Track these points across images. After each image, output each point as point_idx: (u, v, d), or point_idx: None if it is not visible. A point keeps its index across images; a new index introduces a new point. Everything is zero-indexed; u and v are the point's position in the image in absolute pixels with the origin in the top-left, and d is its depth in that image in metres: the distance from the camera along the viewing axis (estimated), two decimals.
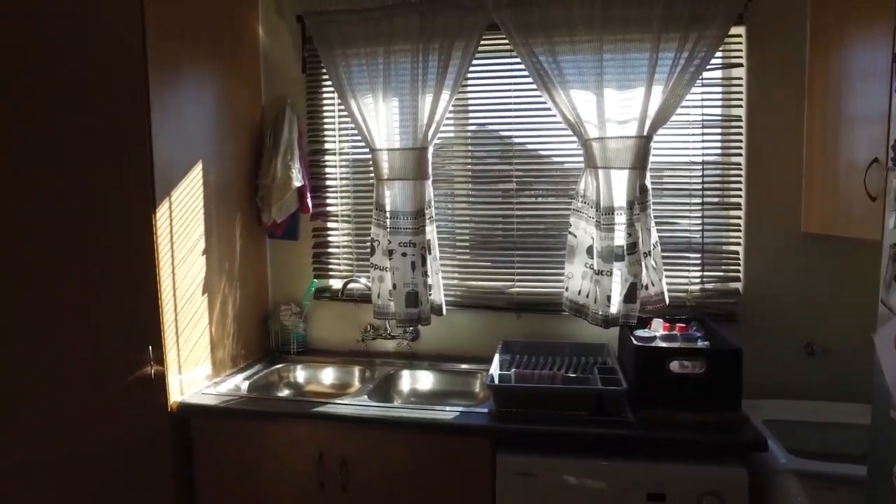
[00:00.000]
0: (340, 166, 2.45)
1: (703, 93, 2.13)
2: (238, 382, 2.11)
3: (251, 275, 2.37)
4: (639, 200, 1.97)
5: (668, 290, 2.06)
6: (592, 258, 2.05)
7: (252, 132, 2.36)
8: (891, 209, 1.32)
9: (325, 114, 2.44)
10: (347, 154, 2.44)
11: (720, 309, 2.15)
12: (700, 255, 2.18)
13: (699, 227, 2.17)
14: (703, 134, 2.15)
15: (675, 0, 1.92)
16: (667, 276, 2.08)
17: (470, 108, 2.33)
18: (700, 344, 1.85)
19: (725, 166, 2.15)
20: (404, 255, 2.17)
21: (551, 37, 2.03)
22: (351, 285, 2.37)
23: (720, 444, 1.64)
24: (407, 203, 2.17)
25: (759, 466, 1.66)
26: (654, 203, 2.04)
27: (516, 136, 2.29)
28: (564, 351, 2.13)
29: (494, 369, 1.90)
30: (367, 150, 2.24)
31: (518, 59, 2.11)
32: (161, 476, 1.87)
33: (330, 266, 2.50)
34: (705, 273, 2.18)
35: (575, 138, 2.08)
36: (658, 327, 1.97)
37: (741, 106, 2.11)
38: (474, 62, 2.18)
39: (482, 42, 2.15)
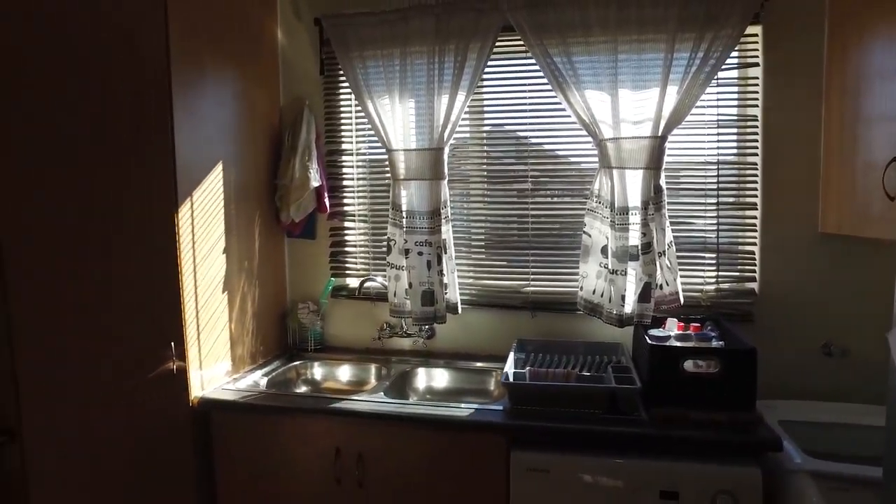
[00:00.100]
0: (357, 166, 2.48)
1: (718, 92, 2.12)
2: (257, 378, 2.15)
3: (270, 273, 2.41)
4: (653, 200, 1.98)
5: (683, 290, 2.06)
6: (607, 258, 2.06)
7: (271, 133, 2.40)
8: None
9: (343, 115, 2.47)
10: (364, 154, 2.47)
11: (735, 309, 2.15)
12: (715, 255, 2.17)
13: (714, 227, 2.16)
14: (718, 134, 2.14)
15: (691, 0, 1.92)
16: (682, 276, 2.08)
17: (485, 108, 2.34)
18: (714, 344, 1.85)
19: (741, 166, 2.14)
20: (420, 254, 2.19)
21: (566, 37, 2.03)
22: (367, 284, 2.40)
23: (734, 444, 1.64)
24: (423, 203, 2.19)
25: (773, 466, 1.66)
26: (669, 203, 2.04)
27: (531, 137, 2.30)
28: (579, 350, 2.15)
29: (509, 367, 1.92)
30: (383, 150, 2.27)
31: (533, 60, 2.12)
32: (182, 468, 1.92)
33: (347, 265, 2.53)
34: (720, 273, 2.17)
35: (590, 138, 2.09)
36: (672, 327, 1.97)
37: (757, 105, 2.10)
38: (490, 63, 2.19)
39: (497, 43, 2.16)
